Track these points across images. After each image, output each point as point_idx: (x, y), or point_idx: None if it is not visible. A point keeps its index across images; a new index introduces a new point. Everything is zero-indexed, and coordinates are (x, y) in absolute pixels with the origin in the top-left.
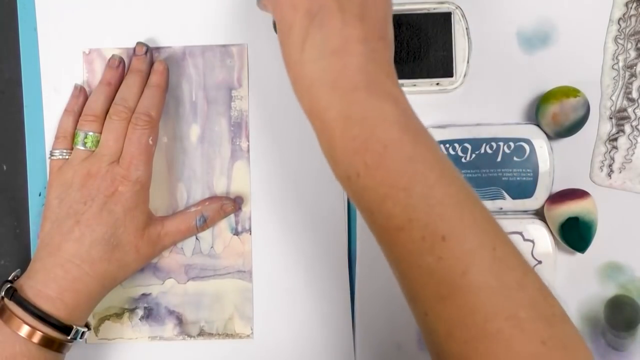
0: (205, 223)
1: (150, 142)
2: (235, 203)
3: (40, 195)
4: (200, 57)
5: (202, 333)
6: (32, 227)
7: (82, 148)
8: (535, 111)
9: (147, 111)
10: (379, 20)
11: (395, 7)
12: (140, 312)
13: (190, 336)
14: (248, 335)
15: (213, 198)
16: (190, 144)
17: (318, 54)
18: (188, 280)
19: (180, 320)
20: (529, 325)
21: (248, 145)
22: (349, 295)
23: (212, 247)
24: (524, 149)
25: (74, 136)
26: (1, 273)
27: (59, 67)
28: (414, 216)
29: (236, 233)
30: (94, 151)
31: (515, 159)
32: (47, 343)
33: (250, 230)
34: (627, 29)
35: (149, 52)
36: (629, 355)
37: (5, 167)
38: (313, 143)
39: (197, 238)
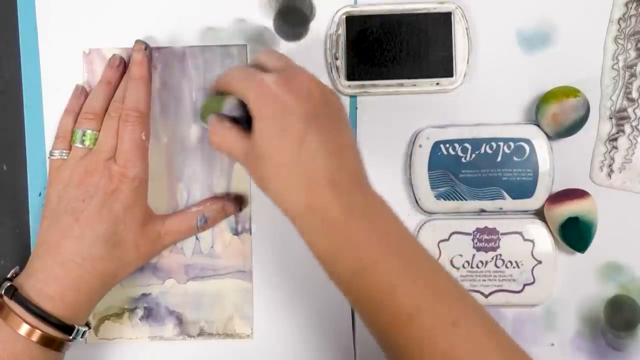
0: (206, 223)
1: (143, 137)
2: (237, 204)
3: (40, 195)
4: (200, 57)
5: (202, 333)
6: (32, 227)
7: (80, 146)
8: (535, 111)
9: (135, 106)
10: (350, 129)
11: (395, 7)
12: (140, 312)
13: (190, 336)
14: (248, 335)
15: (214, 198)
16: (190, 144)
17: (318, 154)
18: (188, 280)
19: (180, 320)
20: None
21: None
22: None
23: (212, 247)
24: (524, 149)
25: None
26: (1, 273)
27: (59, 67)
28: (422, 303)
29: (236, 233)
30: (92, 149)
31: (515, 159)
32: (47, 342)
33: (250, 230)
34: (627, 29)
35: (147, 50)
36: (629, 355)
37: (5, 167)
38: None
39: (197, 238)
